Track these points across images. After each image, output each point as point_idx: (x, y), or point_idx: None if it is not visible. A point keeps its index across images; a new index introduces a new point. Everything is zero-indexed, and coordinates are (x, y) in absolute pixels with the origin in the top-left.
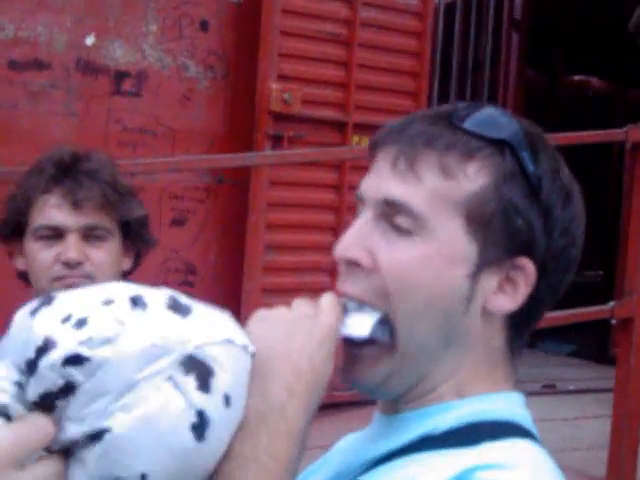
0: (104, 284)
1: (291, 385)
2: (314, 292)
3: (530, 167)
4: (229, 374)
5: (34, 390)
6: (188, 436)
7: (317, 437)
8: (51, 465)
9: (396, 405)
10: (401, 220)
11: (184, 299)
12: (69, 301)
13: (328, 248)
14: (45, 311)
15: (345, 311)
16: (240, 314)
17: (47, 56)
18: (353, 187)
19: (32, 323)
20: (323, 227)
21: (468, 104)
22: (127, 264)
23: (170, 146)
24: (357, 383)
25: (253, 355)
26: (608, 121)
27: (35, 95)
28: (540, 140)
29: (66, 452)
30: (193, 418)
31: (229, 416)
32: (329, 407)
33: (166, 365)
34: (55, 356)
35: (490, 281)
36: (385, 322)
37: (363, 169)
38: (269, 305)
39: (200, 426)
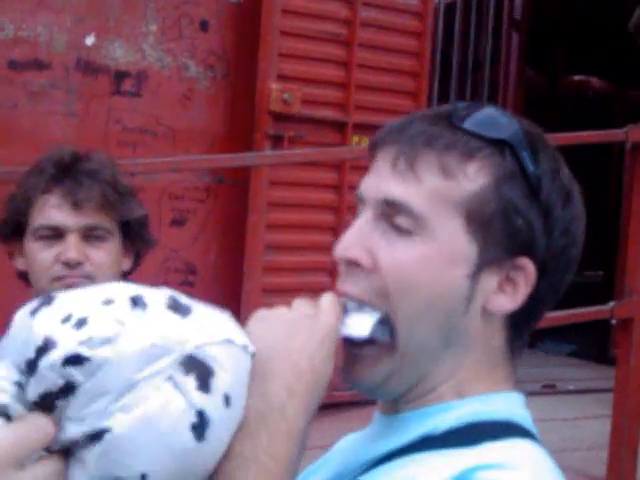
0: (104, 284)
1: (291, 385)
2: (314, 292)
3: (530, 167)
4: (229, 374)
5: (34, 390)
6: (188, 436)
7: (317, 437)
8: (51, 465)
9: (396, 405)
10: (401, 220)
11: (184, 299)
12: (69, 301)
13: (328, 248)
14: (45, 311)
15: (345, 311)
16: (240, 314)
17: (47, 56)
18: (353, 187)
19: (32, 323)
20: (323, 227)
21: (468, 104)
22: (127, 264)
23: (170, 146)
24: (357, 383)
25: (253, 355)
26: (608, 121)
27: (35, 95)
28: (540, 140)
29: (66, 452)
30: (193, 418)
31: (229, 416)
32: (329, 407)
33: (166, 365)
34: (55, 356)
35: (490, 281)
36: (385, 322)
37: (363, 169)
38: (269, 305)
39: (200, 426)
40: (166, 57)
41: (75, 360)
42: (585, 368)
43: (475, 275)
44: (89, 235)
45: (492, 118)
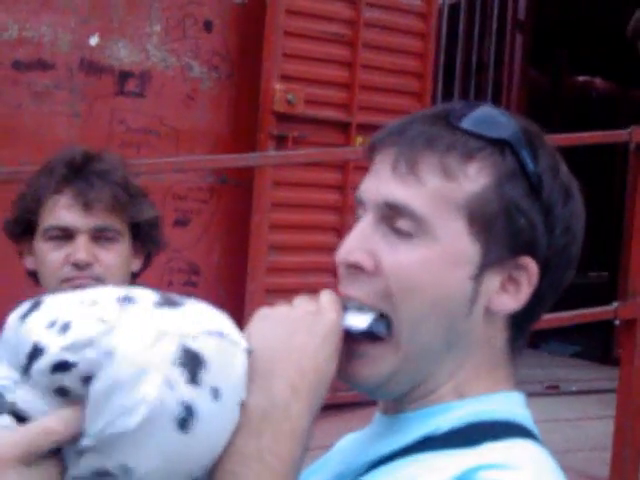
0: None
1: (295, 384)
2: (317, 293)
3: (530, 165)
4: (218, 367)
5: (33, 393)
6: (173, 428)
7: (319, 438)
8: (54, 464)
9: (397, 405)
10: (403, 223)
11: (176, 296)
12: (55, 305)
13: (331, 249)
14: (33, 316)
15: (345, 309)
16: (243, 314)
17: (51, 56)
18: (356, 188)
19: (21, 329)
20: (326, 228)
21: (464, 103)
22: (137, 265)
23: (174, 146)
24: (356, 382)
25: (249, 351)
26: (612, 122)
27: (39, 95)
28: (538, 138)
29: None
30: (179, 410)
31: (219, 410)
32: (331, 408)
33: (153, 357)
34: (43, 364)
35: (493, 281)
36: (383, 318)
37: (366, 170)
38: (272, 306)
39: (186, 418)
40: (170, 57)
41: (62, 366)
42: (589, 369)
43: (478, 276)
44: (99, 236)
45: (490, 117)
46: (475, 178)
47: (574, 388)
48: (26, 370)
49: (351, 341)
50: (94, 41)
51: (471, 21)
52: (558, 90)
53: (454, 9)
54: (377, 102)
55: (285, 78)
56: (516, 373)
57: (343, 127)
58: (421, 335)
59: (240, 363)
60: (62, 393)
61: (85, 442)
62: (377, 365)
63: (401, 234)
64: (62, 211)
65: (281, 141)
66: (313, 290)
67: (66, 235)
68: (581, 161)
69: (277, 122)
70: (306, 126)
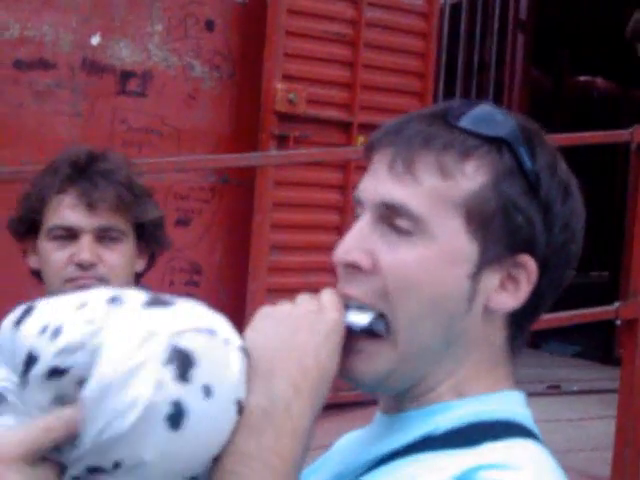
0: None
1: (297, 382)
2: (319, 292)
3: (528, 163)
4: (210, 365)
5: (33, 397)
6: (164, 426)
7: (321, 437)
8: (54, 464)
9: (397, 404)
10: (401, 222)
11: (166, 296)
12: (47, 310)
13: (333, 248)
14: (26, 322)
15: (346, 308)
16: (245, 314)
17: (52, 56)
18: None
19: (15, 336)
20: (328, 227)
21: (462, 102)
22: (141, 265)
23: (175, 146)
24: (353, 377)
25: (245, 349)
26: (613, 121)
27: (40, 95)
28: (537, 136)
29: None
30: (169, 408)
31: (211, 408)
32: (333, 407)
33: (144, 355)
34: (38, 371)
35: (492, 279)
36: (383, 317)
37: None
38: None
39: (175, 416)
40: (171, 57)
41: (56, 372)
42: (590, 369)
43: (476, 274)
44: (103, 236)
45: (488, 115)
46: (472, 176)
47: (575, 388)
48: (23, 377)
49: (350, 337)
50: (96, 40)
51: (473, 21)
52: (559, 90)
53: (456, 9)
54: (379, 102)
55: (287, 78)
56: (516, 372)
57: (345, 127)
58: (419, 333)
59: (235, 361)
60: (60, 397)
61: (83, 447)
62: (374, 361)
63: (400, 232)
64: (66, 211)
65: (283, 141)
66: (315, 290)
67: (70, 235)
68: (582, 161)
69: (279, 122)
70: (308, 126)
